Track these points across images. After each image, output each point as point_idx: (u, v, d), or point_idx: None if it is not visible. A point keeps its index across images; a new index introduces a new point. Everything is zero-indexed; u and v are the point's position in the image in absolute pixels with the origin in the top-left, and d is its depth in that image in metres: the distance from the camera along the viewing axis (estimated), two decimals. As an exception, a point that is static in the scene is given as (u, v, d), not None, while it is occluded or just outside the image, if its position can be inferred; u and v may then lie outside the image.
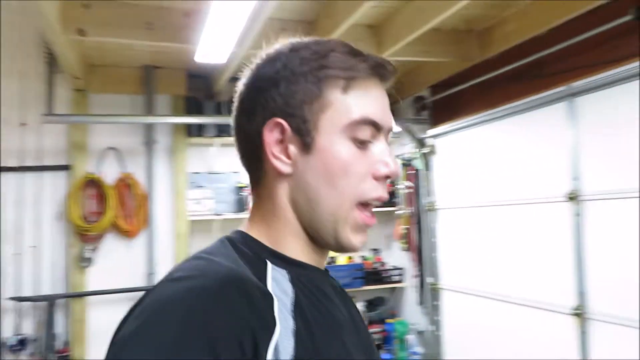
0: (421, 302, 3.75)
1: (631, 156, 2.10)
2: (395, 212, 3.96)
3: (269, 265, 0.63)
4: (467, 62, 3.10)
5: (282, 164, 0.64)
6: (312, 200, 0.64)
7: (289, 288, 0.61)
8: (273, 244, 0.66)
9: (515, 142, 2.87)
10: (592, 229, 2.31)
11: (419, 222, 3.73)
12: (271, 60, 0.66)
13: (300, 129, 0.63)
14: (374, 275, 4.01)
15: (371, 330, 3.12)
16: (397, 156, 3.98)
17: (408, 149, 3.83)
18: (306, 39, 0.67)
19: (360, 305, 3.97)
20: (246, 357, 0.50)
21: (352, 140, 0.63)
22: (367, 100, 0.64)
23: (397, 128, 3.66)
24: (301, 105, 0.63)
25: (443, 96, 3.46)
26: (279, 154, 0.64)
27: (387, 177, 0.65)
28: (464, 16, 2.77)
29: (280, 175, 0.65)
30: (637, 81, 2.08)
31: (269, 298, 0.57)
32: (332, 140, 0.63)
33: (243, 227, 0.69)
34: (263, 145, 0.64)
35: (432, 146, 3.59)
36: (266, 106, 0.64)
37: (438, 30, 2.95)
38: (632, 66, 2.07)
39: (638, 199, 2.08)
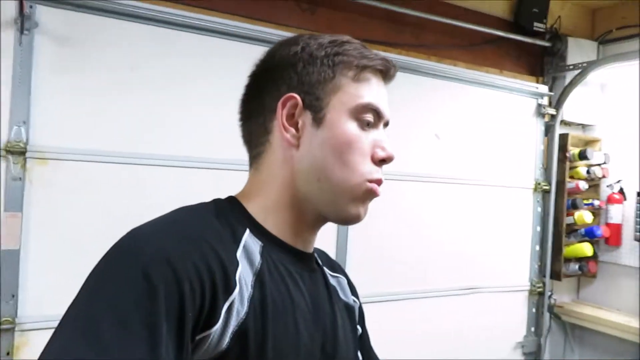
0: None
1: None
2: None
3: (247, 232, 0.65)
4: None
5: (291, 136, 0.68)
6: (318, 169, 0.67)
7: (256, 259, 0.63)
8: (260, 217, 0.68)
9: None
10: None
11: None
12: (290, 44, 0.70)
13: (313, 105, 0.67)
14: None
15: None
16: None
17: None
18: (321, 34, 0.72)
19: None
20: (204, 300, 0.53)
21: (357, 121, 0.68)
22: (373, 91, 0.69)
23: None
24: (316, 85, 0.67)
25: None
26: (290, 127, 0.68)
27: (384, 160, 0.69)
28: None
29: (288, 146, 0.68)
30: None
31: (234, 262, 0.60)
32: (341, 118, 0.67)
33: (238, 195, 0.72)
34: (274, 118, 0.68)
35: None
36: (282, 83, 0.69)
37: None
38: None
39: None
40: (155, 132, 1.80)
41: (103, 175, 1.72)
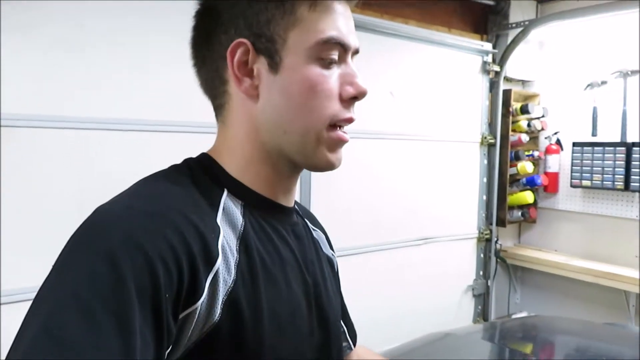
0: None
1: None
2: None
3: (225, 193, 0.61)
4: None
5: (248, 86, 0.61)
6: (282, 121, 0.61)
7: (239, 220, 0.60)
8: (237, 172, 0.63)
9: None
10: None
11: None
12: None
13: (267, 48, 0.60)
14: None
15: None
16: None
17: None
18: None
19: None
20: (182, 277, 0.50)
21: (319, 60, 0.60)
22: (334, 19, 0.60)
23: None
24: (266, 24, 0.59)
25: None
26: (244, 76, 0.61)
27: (354, 97, 0.62)
28: None
29: (247, 98, 0.61)
30: None
31: (215, 229, 0.56)
32: (300, 60, 0.59)
33: (210, 151, 0.66)
34: (227, 68, 0.61)
35: None
36: (229, 25, 0.60)
37: None
38: None
39: None
40: (108, 94, 1.73)
41: (55, 142, 1.66)
